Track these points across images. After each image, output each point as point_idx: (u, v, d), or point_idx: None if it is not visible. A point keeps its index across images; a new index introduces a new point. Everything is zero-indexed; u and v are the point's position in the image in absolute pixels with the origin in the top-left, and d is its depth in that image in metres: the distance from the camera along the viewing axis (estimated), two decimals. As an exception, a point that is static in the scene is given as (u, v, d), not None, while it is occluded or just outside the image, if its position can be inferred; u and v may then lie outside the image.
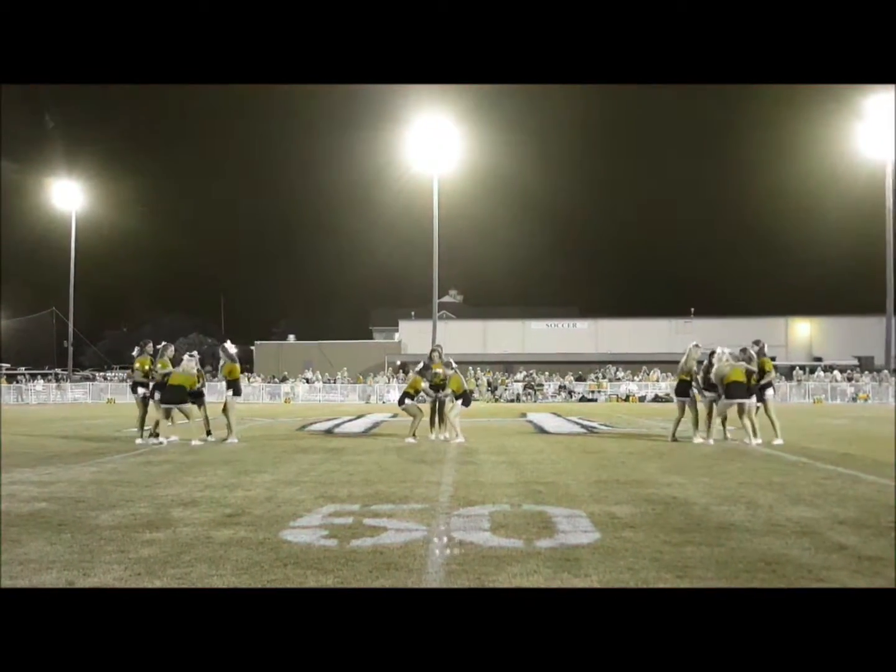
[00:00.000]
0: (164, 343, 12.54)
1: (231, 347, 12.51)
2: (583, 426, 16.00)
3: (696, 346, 12.10)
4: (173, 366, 12.08)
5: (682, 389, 11.87)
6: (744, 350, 11.94)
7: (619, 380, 39.07)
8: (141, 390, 12.09)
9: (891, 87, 34.67)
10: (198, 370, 12.06)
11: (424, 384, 12.10)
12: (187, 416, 11.90)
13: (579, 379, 39.15)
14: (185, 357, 12.07)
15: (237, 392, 12.36)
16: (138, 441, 11.79)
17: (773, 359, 12.18)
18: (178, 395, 11.61)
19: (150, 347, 12.32)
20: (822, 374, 38.57)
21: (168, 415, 11.91)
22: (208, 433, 12.11)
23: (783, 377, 37.61)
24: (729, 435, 11.55)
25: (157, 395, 11.84)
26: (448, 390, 11.90)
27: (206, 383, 12.62)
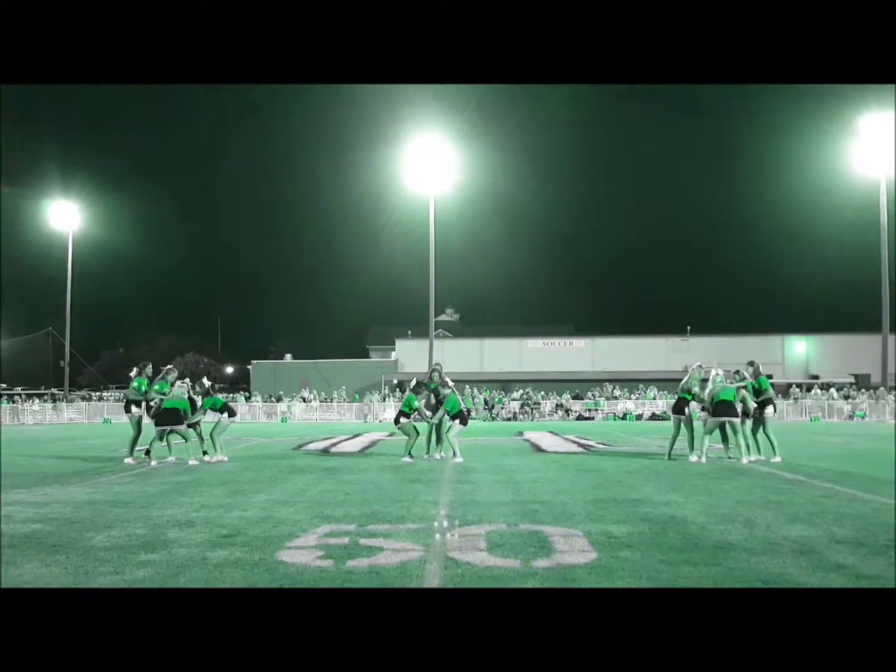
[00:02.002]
0: (168, 367, 12.62)
1: (206, 382, 12.62)
2: (580, 445, 15.93)
3: (700, 366, 12.18)
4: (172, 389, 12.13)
5: (679, 407, 11.94)
6: (737, 372, 12.02)
7: (615, 398, 39.01)
8: (135, 410, 12.09)
9: (887, 107, 35.00)
10: (190, 396, 12.02)
11: (419, 402, 12.08)
12: (184, 437, 11.88)
13: (576, 397, 39.11)
14: (177, 384, 12.12)
15: (231, 413, 12.43)
16: (127, 461, 11.77)
17: (769, 377, 12.21)
18: (173, 417, 11.63)
19: (148, 369, 12.35)
20: (818, 391, 38.55)
21: (162, 436, 11.89)
22: (205, 453, 12.08)
23: (780, 395, 37.61)
24: (730, 455, 11.55)
25: (150, 416, 11.85)
26: (442, 411, 11.91)
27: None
